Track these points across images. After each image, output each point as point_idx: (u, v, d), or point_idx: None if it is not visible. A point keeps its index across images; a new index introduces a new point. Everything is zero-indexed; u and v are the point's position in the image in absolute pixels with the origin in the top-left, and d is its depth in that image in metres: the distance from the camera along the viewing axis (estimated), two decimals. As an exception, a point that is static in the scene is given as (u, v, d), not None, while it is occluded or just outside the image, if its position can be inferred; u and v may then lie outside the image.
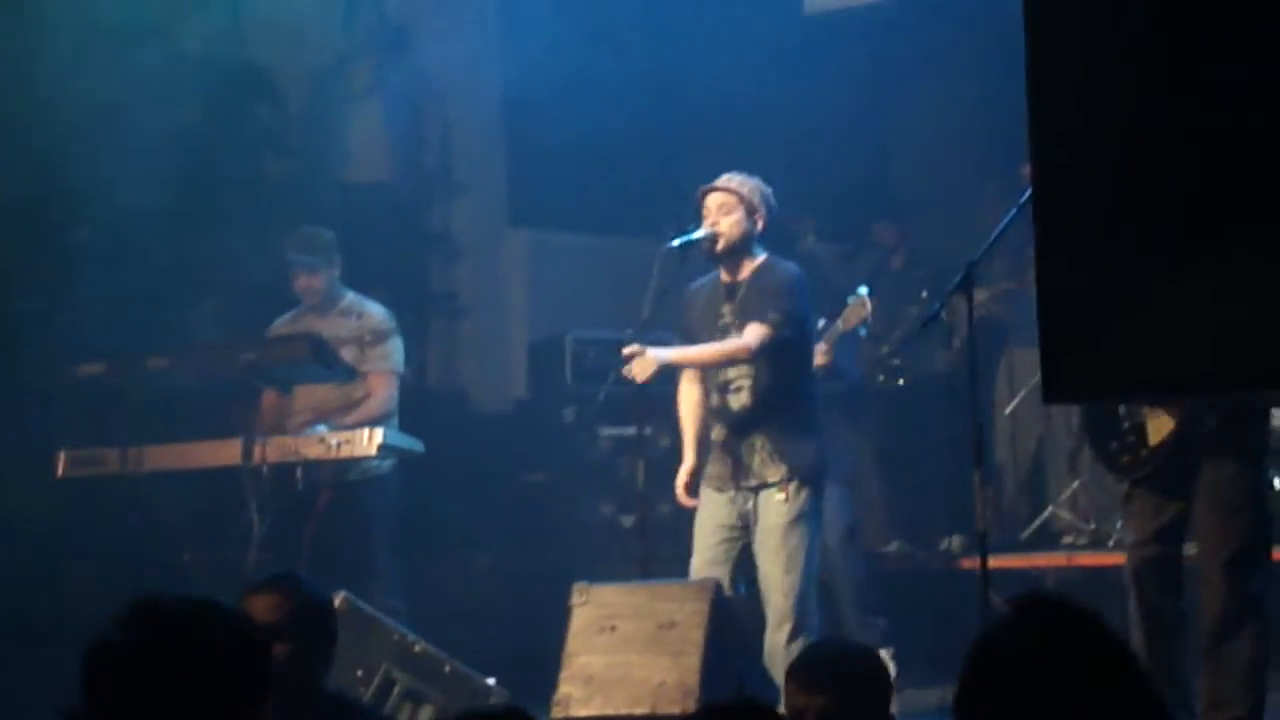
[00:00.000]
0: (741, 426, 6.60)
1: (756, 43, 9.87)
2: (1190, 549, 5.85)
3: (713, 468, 6.70)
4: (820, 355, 7.48)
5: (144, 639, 2.87)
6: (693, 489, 6.78)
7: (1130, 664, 2.48)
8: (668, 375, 6.94)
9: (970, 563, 8.07)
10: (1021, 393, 9.05)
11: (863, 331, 7.70)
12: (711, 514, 6.66)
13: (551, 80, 9.24)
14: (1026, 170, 8.98)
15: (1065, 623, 2.51)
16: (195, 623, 2.92)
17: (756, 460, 6.57)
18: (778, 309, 6.55)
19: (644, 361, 6.47)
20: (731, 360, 6.62)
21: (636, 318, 6.87)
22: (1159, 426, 5.68)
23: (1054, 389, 3.50)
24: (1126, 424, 5.79)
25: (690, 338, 6.80)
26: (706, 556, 6.61)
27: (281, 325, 7.83)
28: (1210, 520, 5.68)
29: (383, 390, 7.62)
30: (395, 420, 7.60)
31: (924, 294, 9.22)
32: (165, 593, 2.95)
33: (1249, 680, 5.63)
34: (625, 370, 6.51)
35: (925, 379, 9.51)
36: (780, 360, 6.61)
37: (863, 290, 7.32)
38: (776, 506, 6.52)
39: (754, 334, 6.54)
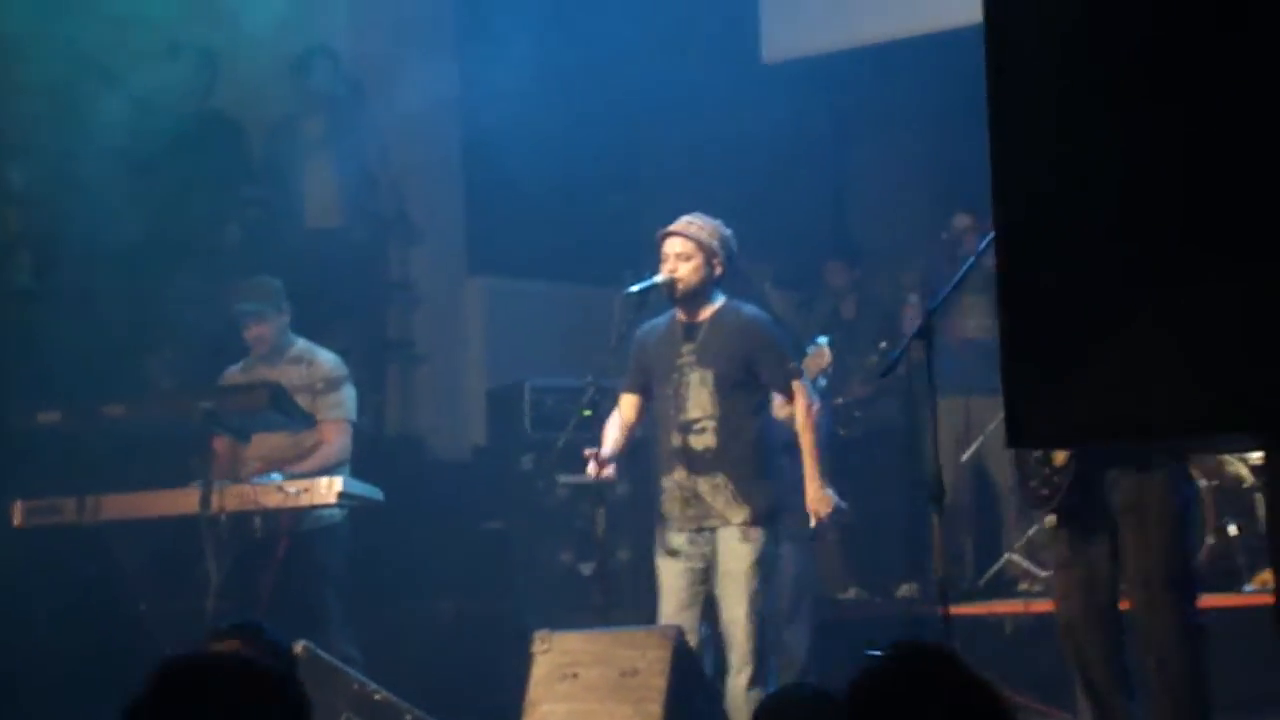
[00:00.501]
0: (706, 467, 6.61)
1: (715, 91, 9.93)
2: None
3: (672, 509, 6.70)
4: (781, 408, 7.53)
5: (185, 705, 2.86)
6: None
7: (997, 706, 2.59)
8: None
9: (927, 609, 8.10)
10: (979, 440, 9.09)
11: (823, 381, 7.71)
12: (674, 559, 6.66)
13: (510, 128, 9.27)
14: (958, 221, 9.11)
15: (936, 667, 2.61)
16: (236, 684, 2.90)
17: (720, 501, 6.58)
18: (790, 363, 6.72)
19: (821, 496, 6.64)
20: (822, 428, 6.82)
21: (595, 365, 6.89)
22: (1061, 454, 5.71)
23: (1018, 433, 3.49)
24: (1039, 455, 5.81)
25: (644, 376, 6.81)
26: (673, 602, 6.61)
27: (232, 374, 7.80)
28: (1131, 540, 5.68)
29: (336, 439, 7.59)
30: (347, 468, 7.57)
31: (883, 344, 9.26)
32: (198, 655, 2.93)
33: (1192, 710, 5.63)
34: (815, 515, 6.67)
35: (883, 426, 9.54)
36: (743, 402, 6.65)
37: (822, 340, 7.35)
38: (737, 549, 6.54)
39: (802, 396, 6.69)
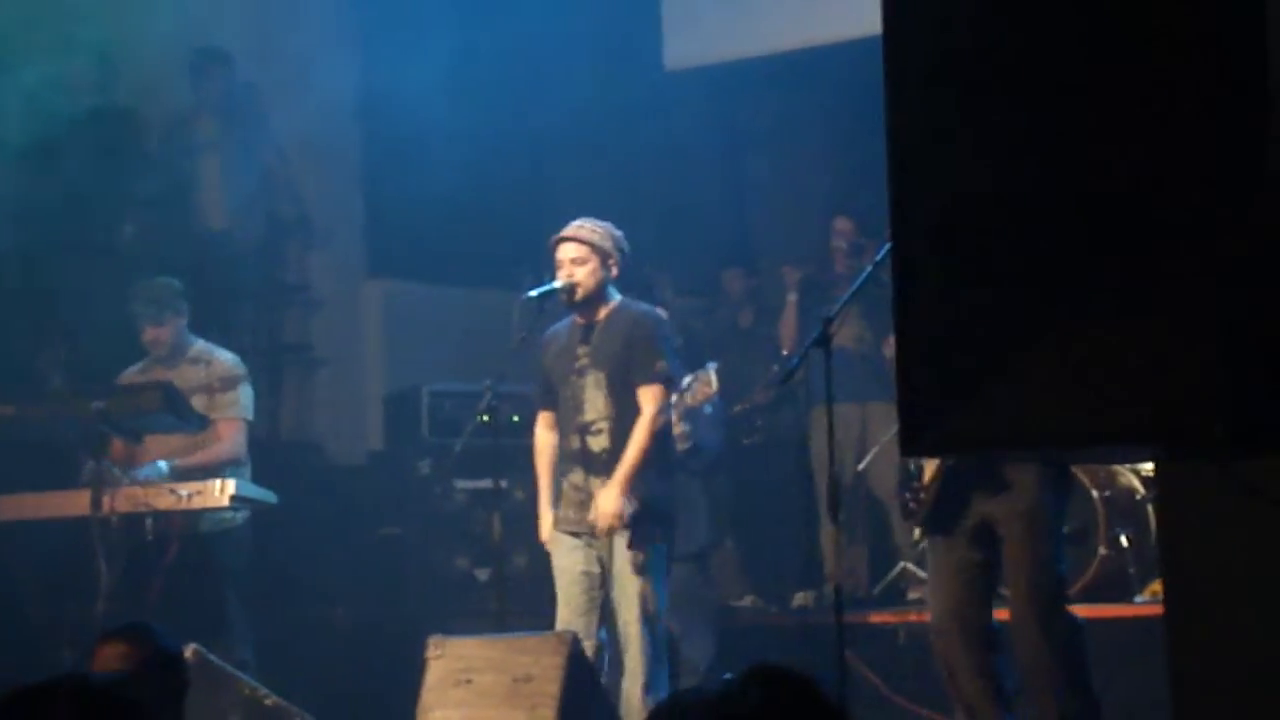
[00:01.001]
0: (600, 469, 6.61)
1: (617, 96, 9.94)
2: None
3: (566, 511, 6.69)
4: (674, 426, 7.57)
5: None
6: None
7: None
8: (523, 427, 6.96)
9: (821, 618, 8.13)
10: (874, 449, 9.13)
11: (708, 409, 7.74)
12: (571, 561, 6.65)
13: (412, 131, 9.24)
14: (838, 224, 9.18)
15: (787, 687, 2.64)
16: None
17: (613, 503, 6.58)
18: (657, 362, 6.62)
19: (612, 506, 6.48)
20: (655, 438, 6.64)
21: (493, 370, 6.88)
22: (930, 466, 5.77)
23: (911, 442, 3.51)
24: (912, 469, 5.88)
25: (547, 381, 6.82)
26: (571, 606, 6.60)
27: (130, 375, 7.73)
28: (1008, 551, 5.74)
29: (230, 436, 7.53)
30: (247, 470, 7.51)
31: (784, 351, 9.28)
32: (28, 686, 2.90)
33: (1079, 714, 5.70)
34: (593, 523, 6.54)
35: (779, 435, 9.57)
36: (636, 400, 6.64)
37: (710, 366, 7.33)
38: (628, 551, 6.53)
39: (652, 401, 6.60)
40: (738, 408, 9.43)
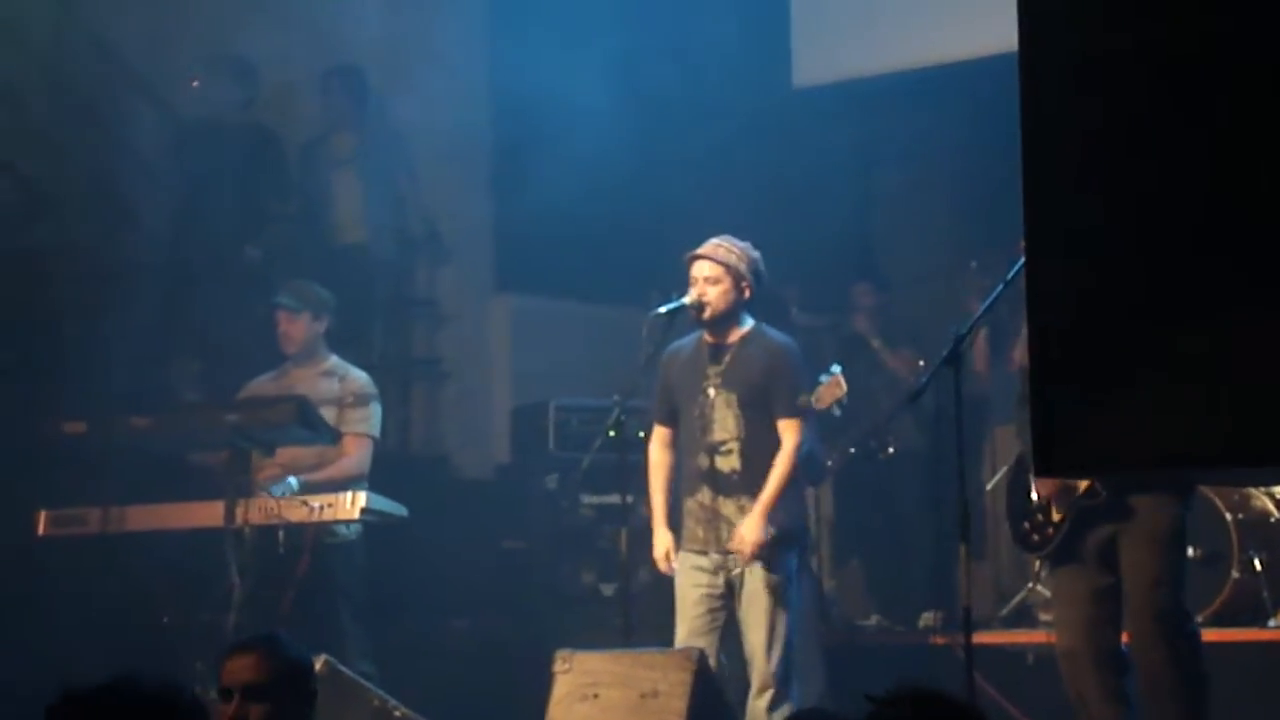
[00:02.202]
0: (731, 489, 6.61)
1: (745, 114, 9.93)
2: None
3: (694, 530, 6.69)
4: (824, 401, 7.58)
5: None
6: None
7: None
8: (645, 443, 6.99)
9: (947, 639, 8.07)
10: (1002, 470, 9.05)
11: (837, 411, 7.69)
12: (695, 582, 6.65)
13: (540, 148, 9.28)
14: (858, 289, 9.20)
15: (941, 708, 2.64)
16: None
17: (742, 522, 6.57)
18: (802, 397, 6.64)
19: (755, 535, 6.50)
20: (796, 470, 6.67)
21: (621, 386, 6.89)
22: (1059, 503, 5.75)
23: (1047, 463, 3.48)
24: (1035, 502, 5.85)
25: (669, 397, 6.82)
26: (692, 627, 6.60)
27: (262, 382, 7.82)
28: (1133, 574, 5.70)
29: (356, 452, 7.59)
30: (365, 484, 7.57)
31: (921, 362, 9.22)
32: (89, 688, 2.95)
33: None
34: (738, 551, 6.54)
35: (907, 454, 9.51)
36: (767, 422, 6.64)
37: (836, 369, 7.32)
38: (759, 573, 6.52)
39: (791, 435, 6.63)
40: (864, 426, 9.38)
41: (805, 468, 6.86)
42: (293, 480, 7.33)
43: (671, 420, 6.85)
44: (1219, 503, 7.80)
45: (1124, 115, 3.23)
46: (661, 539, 6.75)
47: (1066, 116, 3.31)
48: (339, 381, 7.72)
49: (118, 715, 2.90)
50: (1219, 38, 3.07)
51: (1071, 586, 5.84)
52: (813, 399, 7.38)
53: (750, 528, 6.52)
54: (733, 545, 6.55)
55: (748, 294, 6.73)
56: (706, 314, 6.69)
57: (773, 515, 6.55)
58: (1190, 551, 7.11)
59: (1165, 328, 3.16)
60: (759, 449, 6.61)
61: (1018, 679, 8.07)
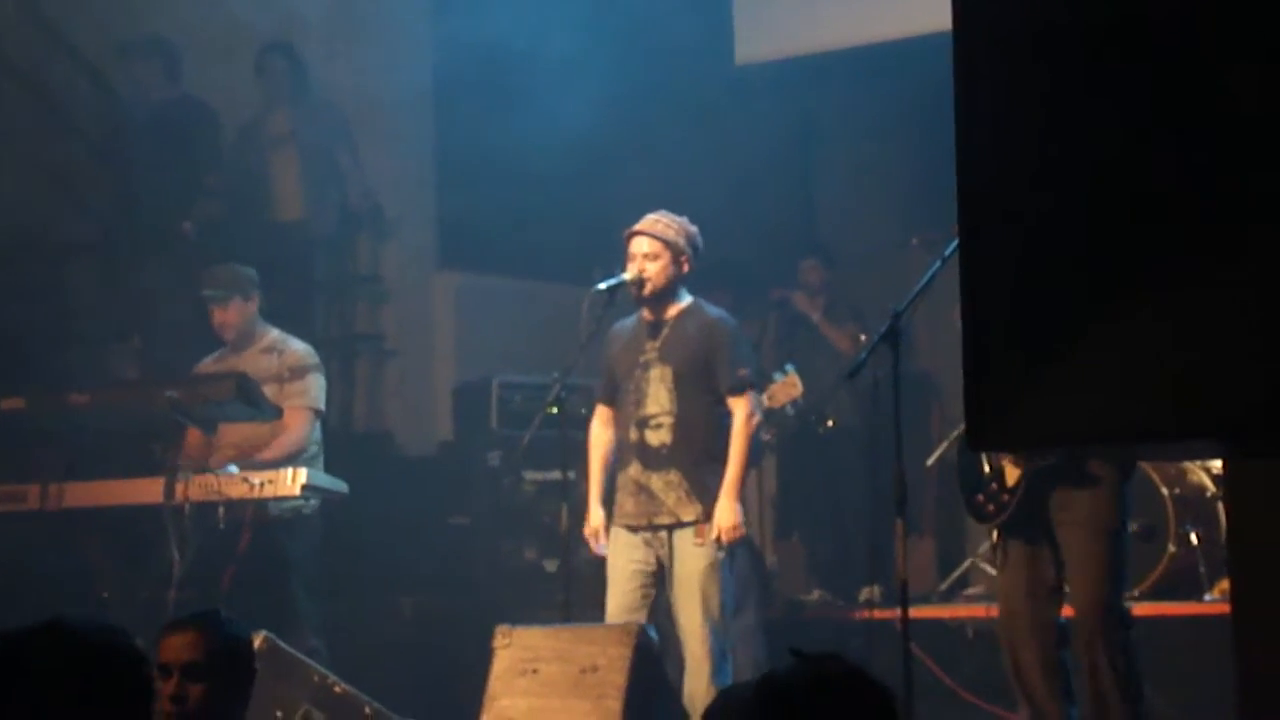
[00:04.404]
0: (660, 463, 6.62)
1: (686, 91, 9.93)
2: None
3: (625, 505, 6.70)
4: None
5: None
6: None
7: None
8: (587, 419, 6.99)
9: (889, 613, 8.12)
10: (943, 445, 9.11)
11: (790, 410, 7.75)
12: (627, 557, 6.66)
13: (483, 124, 9.26)
14: (805, 264, 9.25)
15: (838, 670, 2.70)
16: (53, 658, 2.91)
17: (673, 498, 6.58)
18: (738, 369, 6.66)
19: (730, 519, 6.51)
20: (751, 443, 6.69)
21: (563, 362, 6.89)
22: (1014, 469, 5.80)
23: (980, 436, 3.49)
24: (989, 472, 5.90)
25: (610, 375, 6.83)
26: (623, 601, 6.61)
27: (206, 364, 7.80)
28: (1076, 553, 5.76)
29: (297, 426, 7.56)
30: (320, 460, 7.57)
31: (862, 336, 9.25)
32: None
33: (1129, 714, 5.71)
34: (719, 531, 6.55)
35: (847, 430, 9.56)
36: (702, 400, 6.65)
37: (790, 368, 7.36)
38: (693, 551, 6.54)
39: (742, 408, 6.63)
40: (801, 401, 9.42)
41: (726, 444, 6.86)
42: (232, 467, 7.29)
43: (613, 399, 6.86)
44: (1156, 477, 7.87)
45: (1058, 88, 3.24)
46: (595, 516, 6.76)
47: (999, 90, 3.32)
48: (277, 356, 7.70)
49: (54, 660, 2.89)
50: (1151, 6, 3.09)
51: (1020, 556, 5.88)
52: (765, 397, 7.43)
53: (724, 512, 6.54)
54: (712, 534, 6.56)
55: (686, 268, 6.75)
56: (646, 290, 6.71)
57: (701, 487, 6.57)
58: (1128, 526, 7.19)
59: (1099, 302, 3.18)
60: (690, 424, 6.63)
61: (957, 653, 8.13)
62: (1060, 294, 3.20)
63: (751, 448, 6.73)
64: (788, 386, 7.39)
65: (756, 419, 6.71)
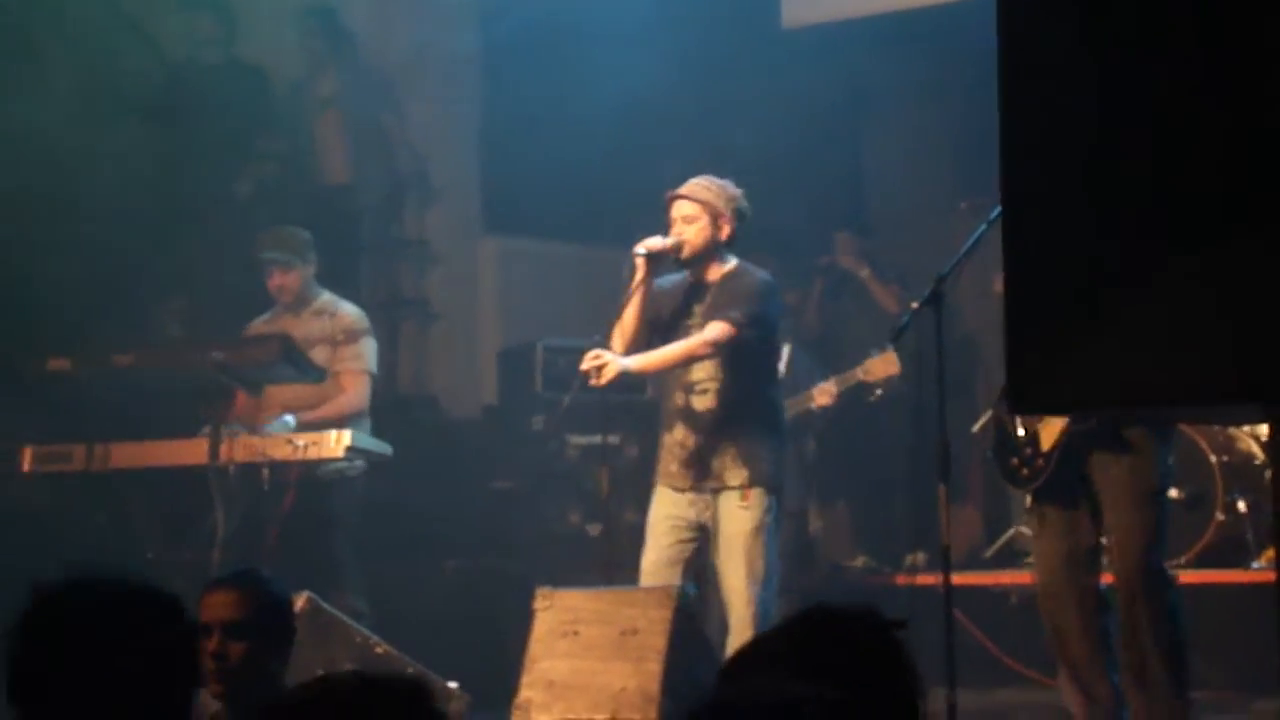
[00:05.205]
0: (706, 428, 6.58)
1: (734, 55, 9.89)
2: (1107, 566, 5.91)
3: (670, 467, 6.67)
4: (825, 396, 7.60)
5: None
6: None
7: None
8: (632, 384, 6.94)
9: (932, 579, 8.10)
10: (989, 411, 9.04)
11: (879, 391, 7.74)
12: (668, 512, 6.63)
13: (529, 89, 9.25)
14: (840, 238, 9.21)
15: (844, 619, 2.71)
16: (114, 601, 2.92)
17: (719, 462, 6.55)
18: (741, 309, 6.55)
19: (608, 368, 6.45)
20: (691, 357, 6.58)
21: (607, 326, 6.87)
22: (1050, 432, 5.76)
23: (1021, 399, 3.49)
24: (1023, 436, 5.86)
25: (661, 335, 6.78)
26: (659, 556, 6.58)
27: (257, 325, 7.84)
28: (1115, 519, 5.73)
29: (353, 389, 7.62)
30: (367, 422, 7.60)
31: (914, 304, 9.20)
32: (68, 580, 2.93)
33: (1171, 681, 5.67)
34: (592, 378, 6.48)
35: (893, 396, 9.52)
36: (746, 363, 6.61)
37: (889, 346, 7.34)
38: (738, 514, 6.51)
39: (714, 330, 6.54)
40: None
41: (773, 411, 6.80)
42: (289, 418, 7.35)
43: (644, 345, 6.71)
44: (1204, 444, 7.82)
45: (1101, 53, 3.22)
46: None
47: (1043, 56, 3.30)
48: (330, 318, 7.74)
49: (97, 613, 2.90)
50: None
51: (1056, 522, 5.85)
52: (861, 371, 7.42)
53: (612, 359, 6.45)
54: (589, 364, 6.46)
55: (725, 230, 6.69)
56: (685, 253, 6.67)
57: (752, 456, 6.54)
58: (1174, 494, 7.14)
59: (1143, 266, 3.16)
60: (736, 389, 6.59)
61: (1001, 619, 8.12)
62: (1105, 257, 3.18)
63: (743, 393, 6.59)
64: (886, 364, 7.43)
65: (709, 351, 6.55)
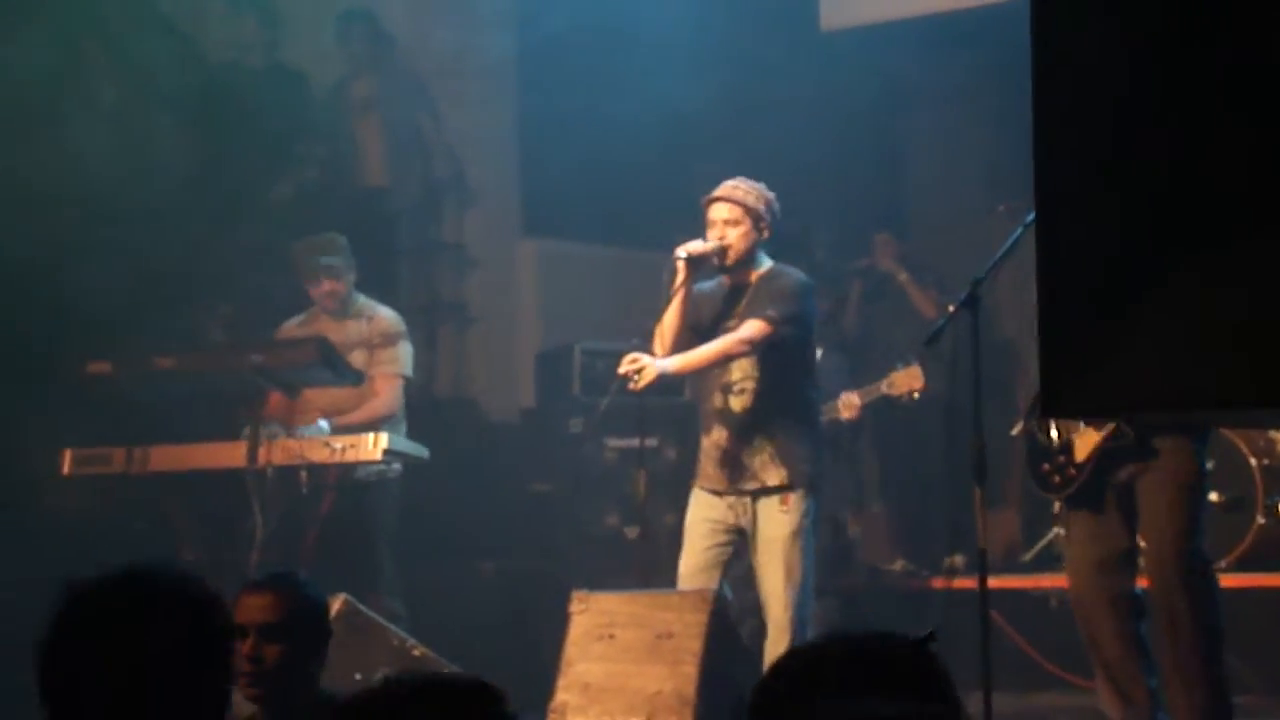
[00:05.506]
0: (744, 429, 6.58)
1: (773, 57, 9.88)
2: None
3: (709, 469, 6.67)
4: (849, 410, 7.59)
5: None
6: None
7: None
8: (670, 386, 6.94)
9: (970, 582, 8.07)
10: (1028, 414, 9.01)
11: (903, 402, 7.75)
12: (705, 516, 6.63)
13: (566, 91, 9.25)
14: (878, 239, 9.19)
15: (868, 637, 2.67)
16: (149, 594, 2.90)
17: (757, 462, 6.55)
18: (778, 308, 6.55)
19: (646, 371, 6.45)
20: (728, 356, 6.58)
21: (645, 329, 6.87)
22: (1085, 443, 5.75)
23: (1055, 403, 3.48)
24: (1056, 443, 5.85)
25: (701, 338, 6.77)
26: (697, 560, 6.58)
27: (290, 327, 7.87)
28: (1150, 521, 5.70)
29: (387, 393, 7.65)
30: (403, 425, 7.62)
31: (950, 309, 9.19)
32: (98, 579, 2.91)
33: (1211, 680, 5.64)
34: (631, 381, 6.48)
35: (931, 399, 9.49)
36: (783, 363, 6.61)
37: (914, 359, 7.35)
38: (777, 517, 6.50)
39: (750, 329, 6.54)
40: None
41: (811, 412, 6.80)
42: (324, 423, 7.38)
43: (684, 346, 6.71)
44: (1244, 448, 7.78)
45: (1132, 56, 3.21)
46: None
47: (1076, 58, 3.29)
48: (367, 322, 7.78)
49: (133, 611, 2.88)
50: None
51: (1087, 528, 5.86)
52: (885, 384, 7.41)
53: (651, 361, 6.46)
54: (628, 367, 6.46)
55: (766, 234, 6.71)
56: (729, 258, 6.67)
57: (791, 457, 6.53)
58: (1214, 497, 7.11)
59: (1176, 270, 3.15)
60: (774, 389, 6.58)
61: (1040, 623, 8.09)
62: (1137, 262, 3.17)
63: (780, 394, 6.59)
64: (909, 377, 7.43)
65: (745, 349, 6.56)
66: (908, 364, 7.44)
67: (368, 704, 2.42)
